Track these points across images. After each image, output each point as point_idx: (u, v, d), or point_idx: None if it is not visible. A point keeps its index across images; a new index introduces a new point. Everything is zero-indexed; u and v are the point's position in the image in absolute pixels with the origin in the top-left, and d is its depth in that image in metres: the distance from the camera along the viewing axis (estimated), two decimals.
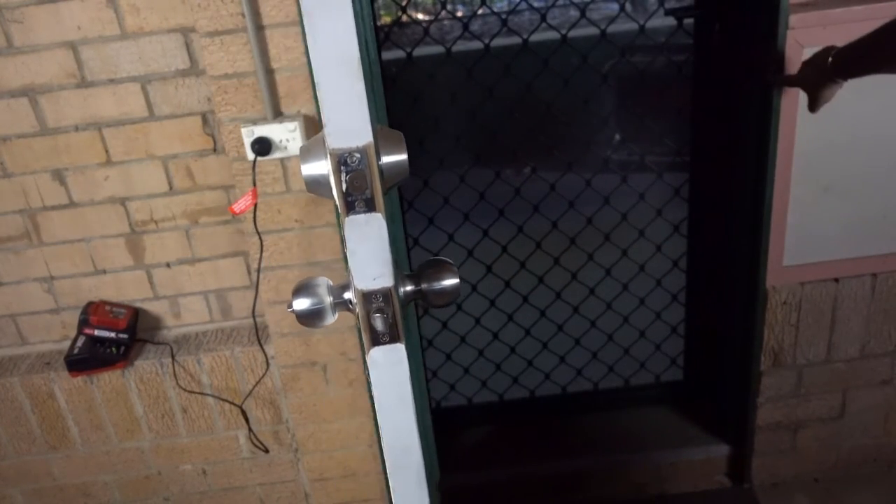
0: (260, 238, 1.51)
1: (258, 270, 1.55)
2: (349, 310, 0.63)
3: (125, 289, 1.72)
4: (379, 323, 0.58)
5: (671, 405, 2.19)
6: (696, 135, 1.96)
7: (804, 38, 1.48)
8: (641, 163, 2.32)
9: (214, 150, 1.58)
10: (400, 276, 0.61)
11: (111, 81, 1.51)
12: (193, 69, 1.51)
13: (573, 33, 1.94)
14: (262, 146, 1.41)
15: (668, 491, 2.04)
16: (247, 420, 1.74)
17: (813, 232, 1.67)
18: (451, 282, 0.64)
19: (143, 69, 1.50)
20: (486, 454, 2.10)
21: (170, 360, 1.69)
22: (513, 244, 2.10)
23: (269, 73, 1.40)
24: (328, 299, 0.63)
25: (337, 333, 1.65)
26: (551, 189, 2.08)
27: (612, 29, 1.94)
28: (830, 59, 1.23)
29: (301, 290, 0.63)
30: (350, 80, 0.50)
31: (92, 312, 1.64)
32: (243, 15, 1.35)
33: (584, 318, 2.20)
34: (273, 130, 1.42)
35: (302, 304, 0.63)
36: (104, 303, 1.70)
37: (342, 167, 0.53)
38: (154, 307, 1.75)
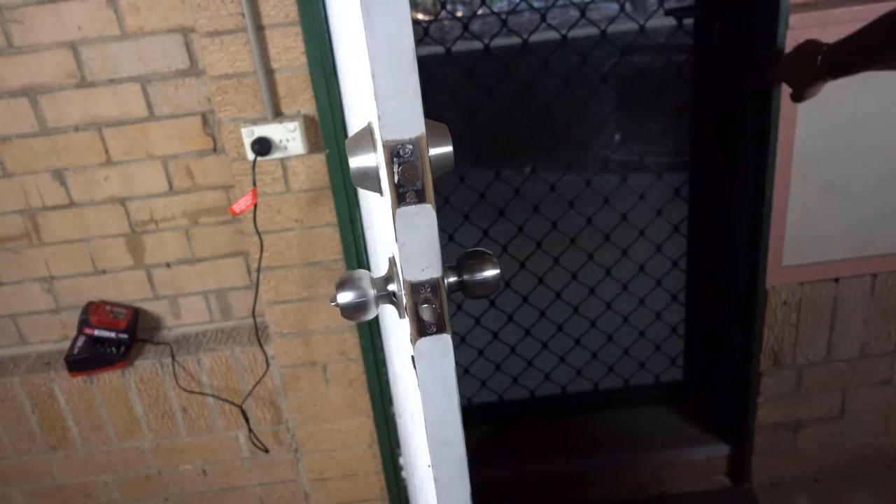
0: (260, 238, 1.51)
1: (258, 270, 1.55)
2: (392, 302, 0.63)
3: (125, 289, 1.72)
4: (427, 314, 0.58)
5: (671, 405, 2.19)
6: (695, 135, 1.96)
7: (804, 38, 1.48)
8: (641, 163, 2.32)
9: (214, 150, 1.58)
10: (443, 268, 0.61)
11: (111, 81, 1.52)
12: (193, 69, 1.51)
13: (573, 33, 1.94)
14: (262, 146, 1.42)
15: (667, 491, 2.04)
16: (247, 420, 1.74)
17: (813, 232, 1.67)
18: (492, 273, 0.64)
19: (143, 69, 1.51)
20: (485, 454, 2.10)
21: (170, 360, 1.69)
22: (513, 244, 2.10)
23: (269, 73, 1.40)
24: (371, 292, 0.63)
25: (337, 333, 1.65)
26: (551, 189, 2.08)
27: (611, 29, 1.94)
28: (820, 58, 1.23)
29: (344, 283, 0.63)
30: (405, 73, 0.51)
31: (92, 312, 1.65)
32: (243, 15, 1.35)
33: (583, 318, 2.20)
34: (273, 130, 1.42)
35: (346, 297, 0.63)
36: (104, 303, 1.70)
37: (395, 158, 0.53)
38: (154, 307, 1.75)
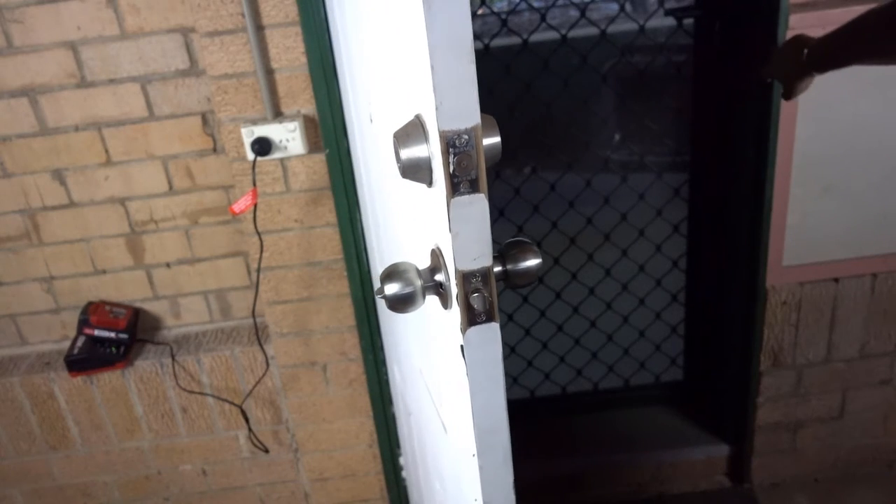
0: (260, 238, 1.51)
1: (258, 270, 1.55)
2: (439, 293, 0.64)
3: (125, 289, 1.72)
4: (477, 303, 0.58)
5: (671, 405, 2.19)
6: (695, 135, 1.96)
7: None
8: (641, 163, 2.32)
9: (214, 150, 1.58)
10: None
11: (111, 81, 1.52)
12: (193, 69, 1.51)
13: (573, 33, 1.94)
14: (262, 146, 1.42)
15: (668, 491, 2.04)
16: (247, 420, 1.74)
17: (813, 232, 1.67)
18: (534, 262, 0.64)
19: (143, 69, 1.51)
20: None
21: (170, 360, 1.69)
22: None
23: (269, 73, 1.40)
24: (418, 283, 0.63)
25: (337, 333, 1.65)
26: (551, 189, 2.08)
27: (611, 29, 1.94)
28: (805, 53, 1.23)
29: (391, 275, 0.63)
30: (464, 63, 0.51)
31: (92, 312, 1.65)
32: (243, 15, 1.35)
33: (583, 318, 2.20)
34: (273, 130, 1.42)
35: (393, 288, 0.62)
36: (104, 303, 1.70)
37: (450, 149, 0.53)
38: (154, 307, 1.75)
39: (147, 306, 1.75)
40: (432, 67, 0.51)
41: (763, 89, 1.54)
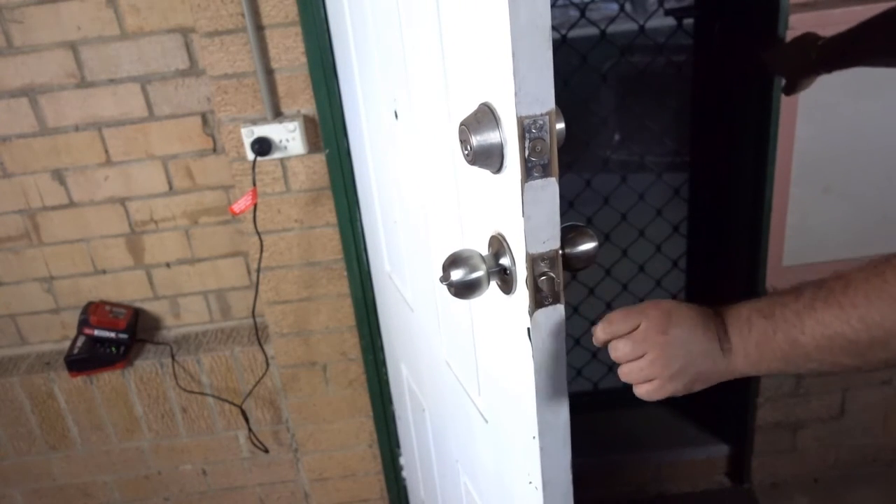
0: (260, 238, 1.51)
1: (258, 270, 1.55)
2: (503, 277, 0.64)
3: (125, 289, 1.72)
4: (545, 285, 0.59)
5: (671, 405, 2.18)
6: (695, 135, 1.96)
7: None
8: (641, 163, 2.32)
9: (214, 150, 1.58)
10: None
11: (111, 81, 1.51)
12: (193, 69, 1.51)
13: (573, 33, 1.94)
14: (262, 146, 1.41)
15: (668, 491, 2.04)
16: (246, 420, 1.74)
17: (813, 232, 1.67)
18: (591, 245, 0.65)
19: (142, 69, 1.50)
20: None
21: (169, 360, 1.69)
22: None
23: (269, 73, 1.40)
24: (483, 268, 0.63)
25: (337, 333, 1.65)
26: None
27: (611, 29, 1.94)
28: (816, 51, 1.23)
29: (455, 262, 0.64)
30: (543, 49, 0.53)
31: (92, 312, 1.64)
32: (243, 15, 1.35)
33: (583, 319, 2.20)
34: (273, 130, 1.42)
35: (458, 274, 0.63)
36: (104, 303, 1.70)
37: (526, 134, 0.54)
38: (154, 307, 1.75)
39: (147, 306, 1.75)
40: (513, 54, 0.52)
41: (763, 89, 1.54)
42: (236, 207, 1.42)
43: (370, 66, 1.10)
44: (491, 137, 0.58)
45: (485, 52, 0.58)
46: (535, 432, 0.67)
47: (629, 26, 1.99)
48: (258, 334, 1.67)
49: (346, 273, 1.58)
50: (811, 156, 1.60)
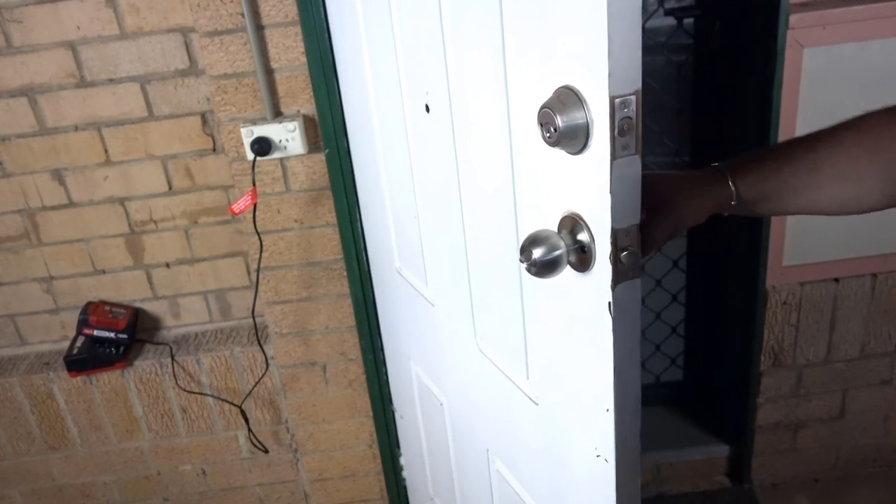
0: (259, 238, 1.51)
1: (258, 270, 1.55)
2: (580, 256, 0.66)
3: (124, 289, 1.72)
4: (628, 259, 0.62)
5: (671, 405, 2.18)
6: (695, 135, 1.95)
7: (804, 39, 1.48)
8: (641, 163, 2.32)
9: (214, 150, 1.58)
10: None
11: (111, 81, 1.51)
12: (193, 69, 1.51)
13: None
14: (262, 146, 1.41)
15: (668, 491, 2.03)
16: (246, 420, 1.74)
17: (813, 232, 1.67)
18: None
19: (142, 69, 1.50)
20: None
21: (169, 360, 1.69)
22: None
23: (269, 73, 1.40)
24: (562, 245, 0.65)
25: (337, 333, 1.65)
26: None
27: None
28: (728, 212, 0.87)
29: (535, 241, 0.65)
30: (634, 31, 0.54)
31: (91, 312, 1.64)
32: (243, 15, 1.35)
33: None
34: (272, 130, 1.42)
35: (539, 252, 0.64)
36: (103, 303, 1.70)
37: (615, 113, 0.56)
38: (153, 307, 1.75)
39: (146, 306, 1.75)
40: (609, 37, 0.53)
41: (763, 89, 1.54)
42: (236, 207, 1.42)
43: (387, 63, 1.10)
44: (577, 118, 0.59)
45: (569, 38, 0.60)
46: (610, 404, 0.69)
47: None
48: (258, 334, 1.66)
49: (345, 273, 1.58)
50: None
